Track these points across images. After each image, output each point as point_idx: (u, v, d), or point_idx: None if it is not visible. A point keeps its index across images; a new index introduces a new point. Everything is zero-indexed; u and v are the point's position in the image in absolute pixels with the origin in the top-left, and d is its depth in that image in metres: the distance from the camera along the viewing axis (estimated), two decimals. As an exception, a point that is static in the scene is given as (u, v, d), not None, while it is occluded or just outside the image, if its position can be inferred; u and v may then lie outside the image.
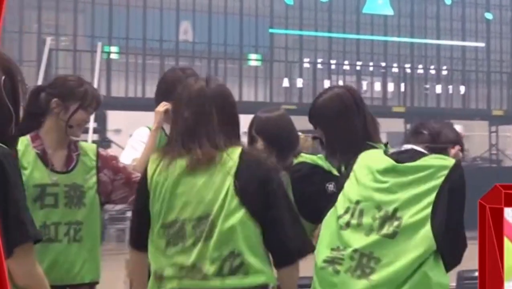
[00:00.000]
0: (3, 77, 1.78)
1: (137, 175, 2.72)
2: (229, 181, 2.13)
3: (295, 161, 2.91)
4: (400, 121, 14.52)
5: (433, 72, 14.53)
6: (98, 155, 2.82)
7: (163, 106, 2.99)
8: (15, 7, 12.75)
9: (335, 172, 2.83)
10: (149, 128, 3.06)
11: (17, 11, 12.79)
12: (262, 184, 2.16)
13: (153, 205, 2.23)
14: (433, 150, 2.21)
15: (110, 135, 12.50)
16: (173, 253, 2.15)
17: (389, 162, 2.19)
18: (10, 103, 1.79)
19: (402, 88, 14.13)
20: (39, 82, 9.82)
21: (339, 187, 2.31)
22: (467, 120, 14.28)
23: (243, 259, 2.09)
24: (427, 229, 1.98)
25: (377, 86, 14.08)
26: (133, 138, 3.14)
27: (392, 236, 2.00)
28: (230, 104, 2.30)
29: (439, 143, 2.28)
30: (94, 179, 2.77)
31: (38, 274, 1.80)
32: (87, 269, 2.75)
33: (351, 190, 2.22)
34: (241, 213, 2.11)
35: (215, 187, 2.14)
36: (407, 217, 2.01)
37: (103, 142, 11.33)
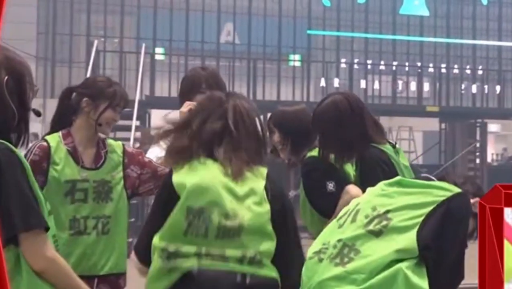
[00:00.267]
0: (6, 77, 1.82)
1: (162, 168, 2.76)
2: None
3: (307, 154, 2.91)
4: (435, 120, 14.33)
5: (468, 72, 14.25)
6: (124, 152, 2.88)
7: (187, 106, 3.01)
8: (66, 11, 13.03)
9: (350, 171, 2.82)
10: None
11: (68, 15, 13.05)
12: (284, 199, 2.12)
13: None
14: None
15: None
16: (193, 236, 2.03)
17: (396, 178, 2.19)
18: (15, 103, 1.83)
19: (438, 88, 13.91)
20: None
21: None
22: (503, 119, 13.97)
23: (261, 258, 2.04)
24: (412, 233, 1.94)
25: (413, 86, 13.89)
26: None
27: (377, 234, 1.97)
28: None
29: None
30: (120, 174, 2.83)
31: (50, 259, 1.80)
32: (115, 260, 2.80)
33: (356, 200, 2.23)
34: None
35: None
36: (397, 220, 1.98)
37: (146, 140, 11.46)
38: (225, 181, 2.01)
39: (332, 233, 2.09)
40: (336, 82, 13.36)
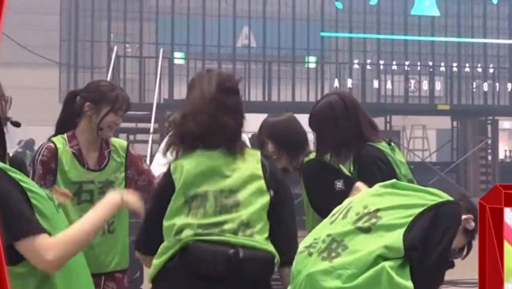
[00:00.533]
0: None
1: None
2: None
3: (306, 159, 2.89)
4: (447, 118, 14.15)
5: (479, 70, 14.03)
6: (127, 153, 2.86)
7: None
8: (87, 18, 13.08)
9: (345, 171, 2.77)
10: None
11: (90, 22, 13.10)
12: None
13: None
14: None
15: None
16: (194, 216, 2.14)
17: (392, 181, 2.19)
18: None
19: (449, 87, 13.73)
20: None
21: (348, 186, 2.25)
22: (515, 116, 13.73)
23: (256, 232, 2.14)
24: (399, 232, 1.90)
25: (425, 85, 13.71)
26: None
27: (366, 231, 1.95)
28: None
29: None
30: (123, 175, 2.86)
31: (52, 261, 1.73)
32: (120, 258, 2.84)
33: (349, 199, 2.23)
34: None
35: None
36: (386, 219, 1.96)
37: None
38: (222, 163, 2.15)
39: (323, 228, 2.09)
40: (349, 83, 13.26)
